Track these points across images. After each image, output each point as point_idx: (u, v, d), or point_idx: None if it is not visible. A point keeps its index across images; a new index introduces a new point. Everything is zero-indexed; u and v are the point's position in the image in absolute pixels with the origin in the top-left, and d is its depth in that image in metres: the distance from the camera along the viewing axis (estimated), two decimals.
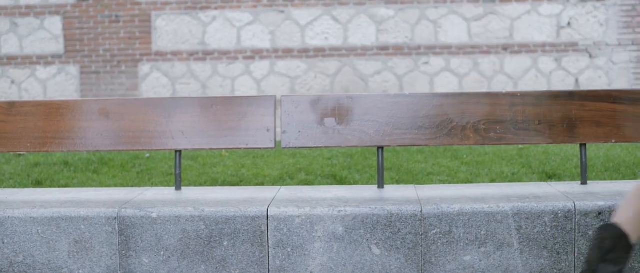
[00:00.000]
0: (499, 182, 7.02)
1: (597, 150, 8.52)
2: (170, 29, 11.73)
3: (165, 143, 5.19)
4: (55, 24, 11.83)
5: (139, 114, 5.21)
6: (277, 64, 11.70)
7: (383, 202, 4.65)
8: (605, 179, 6.99)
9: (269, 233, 4.56)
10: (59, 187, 7.21)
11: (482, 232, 4.51)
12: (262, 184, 7.20)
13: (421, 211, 4.52)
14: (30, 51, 11.88)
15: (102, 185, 7.30)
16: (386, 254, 4.53)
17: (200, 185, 7.19)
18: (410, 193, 4.98)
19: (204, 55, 11.74)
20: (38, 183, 7.40)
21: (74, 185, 7.29)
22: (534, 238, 4.50)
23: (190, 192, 5.17)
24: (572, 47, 11.58)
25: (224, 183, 7.25)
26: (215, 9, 11.71)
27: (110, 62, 11.82)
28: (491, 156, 8.27)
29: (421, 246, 4.53)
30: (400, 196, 4.86)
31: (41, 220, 4.63)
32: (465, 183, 6.81)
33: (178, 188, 5.28)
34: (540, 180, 7.06)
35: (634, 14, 11.54)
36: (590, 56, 11.57)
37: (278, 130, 9.76)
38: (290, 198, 4.84)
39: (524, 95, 5.09)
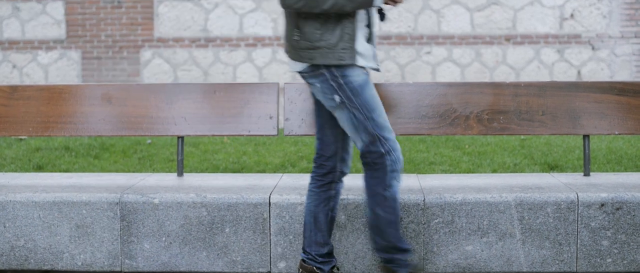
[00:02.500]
0: (501, 172, 7.01)
1: (599, 142, 8.51)
2: (173, 15, 11.71)
3: (167, 129, 5.18)
4: (57, 8, 11.80)
5: (141, 99, 5.20)
6: (279, 51, 11.68)
7: None
8: (607, 171, 6.98)
9: (271, 221, 4.55)
10: (60, 172, 7.21)
11: (485, 222, 4.50)
12: (263, 172, 7.20)
13: (424, 200, 4.51)
14: (32, 36, 11.86)
15: (103, 170, 7.29)
16: None
17: (202, 171, 7.18)
18: (413, 182, 4.97)
19: (206, 42, 11.72)
20: (39, 168, 7.39)
21: (75, 170, 7.28)
22: (536, 229, 4.49)
23: (192, 179, 5.16)
24: (574, 38, 11.56)
25: (226, 170, 7.24)
26: None
27: (112, 47, 11.80)
28: (493, 146, 8.26)
29: (423, 235, 4.52)
30: (402, 185, 4.85)
31: (43, 204, 4.63)
32: (467, 173, 6.80)
33: (180, 174, 5.27)
34: (542, 171, 7.05)
35: (637, 7, 11.52)
36: (593, 48, 11.55)
37: (280, 117, 9.75)
38: (293, 186, 4.83)
39: (527, 85, 5.08)
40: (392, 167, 3.94)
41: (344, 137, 4.12)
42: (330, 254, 4.19)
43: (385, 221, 3.98)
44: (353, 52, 3.90)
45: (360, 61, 3.93)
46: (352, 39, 3.91)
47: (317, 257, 4.15)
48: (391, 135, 3.97)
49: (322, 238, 4.16)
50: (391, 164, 3.93)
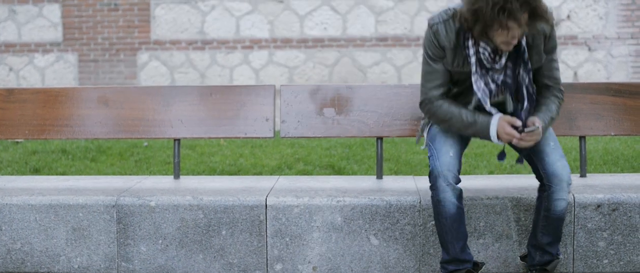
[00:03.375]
0: (498, 174, 7.02)
1: (596, 143, 8.52)
2: (169, 18, 11.71)
3: (163, 132, 5.18)
4: (53, 11, 11.80)
5: (137, 102, 5.20)
6: (275, 53, 11.69)
7: (382, 193, 4.65)
8: (604, 172, 6.99)
9: (267, 223, 4.55)
10: (56, 175, 7.20)
11: (481, 224, 4.50)
12: (260, 174, 7.19)
13: (420, 202, 4.51)
14: (29, 39, 11.85)
15: (100, 173, 7.29)
16: (384, 245, 4.53)
17: (198, 174, 7.18)
18: (409, 184, 4.98)
19: (203, 44, 11.72)
20: (36, 171, 7.39)
21: (72, 173, 7.28)
22: None
23: (189, 181, 5.16)
24: (571, 40, 11.57)
25: (222, 173, 7.24)
26: None
27: (108, 50, 11.80)
28: (489, 148, 8.26)
29: (420, 237, 4.52)
30: (399, 187, 4.86)
31: (39, 207, 4.62)
32: (464, 175, 6.80)
33: (176, 177, 5.27)
34: None
35: (633, 8, 11.53)
36: (589, 49, 11.56)
37: (277, 119, 9.75)
38: (289, 188, 4.83)
39: None
40: (431, 170, 4.12)
41: (531, 151, 4.21)
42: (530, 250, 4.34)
43: (434, 217, 4.18)
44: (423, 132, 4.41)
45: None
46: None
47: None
48: (437, 144, 4.18)
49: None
50: (432, 168, 4.11)
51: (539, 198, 4.16)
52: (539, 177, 4.17)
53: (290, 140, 8.89)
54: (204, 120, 5.16)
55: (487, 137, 4.07)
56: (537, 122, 4.00)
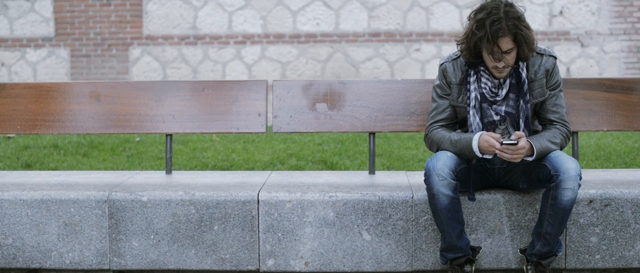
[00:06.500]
0: None
1: (588, 139, 8.53)
2: (162, 13, 11.69)
3: (156, 127, 5.16)
4: (46, 6, 11.77)
5: (129, 97, 5.19)
6: (268, 49, 11.67)
7: (374, 188, 4.64)
8: (596, 168, 7.00)
9: (259, 218, 4.54)
10: (48, 170, 7.19)
11: (473, 219, 4.50)
12: (252, 169, 7.19)
13: (412, 197, 4.51)
14: (21, 33, 11.82)
15: (92, 168, 7.28)
16: (377, 240, 4.53)
17: (191, 169, 7.17)
18: (402, 179, 4.97)
19: (195, 39, 11.70)
20: (28, 166, 7.37)
21: (63, 169, 7.26)
22: (525, 226, 4.49)
23: (181, 176, 5.16)
24: (563, 35, 11.58)
25: (215, 168, 7.23)
26: None
27: (100, 45, 11.77)
28: None
29: (412, 232, 4.52)
30: (391, 182, 4.86)
31: (31, 202, 4.61)
32: None
33: (168, 172, 5.26)
34: None
35: (625, 3, 11.54)
36: (582, 45, 11.57)
37: (269, 115, 9.75)
38: (281, 183, 4.83)
39: None
40: (426, 166, 4.24)
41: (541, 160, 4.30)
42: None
43: (431, 209, 4.28)
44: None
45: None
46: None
47: None
48: (439, 152, 4.30)
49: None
50: (427, 165, 4.23)
51: (547, 189, 4.18)
52: (548, 178, 4.17)
53: (283, 135, 8.88)
54: (196, 116, 5.15)
55: (471, 151, 4.23)
56: (520, 135, 4.14)
